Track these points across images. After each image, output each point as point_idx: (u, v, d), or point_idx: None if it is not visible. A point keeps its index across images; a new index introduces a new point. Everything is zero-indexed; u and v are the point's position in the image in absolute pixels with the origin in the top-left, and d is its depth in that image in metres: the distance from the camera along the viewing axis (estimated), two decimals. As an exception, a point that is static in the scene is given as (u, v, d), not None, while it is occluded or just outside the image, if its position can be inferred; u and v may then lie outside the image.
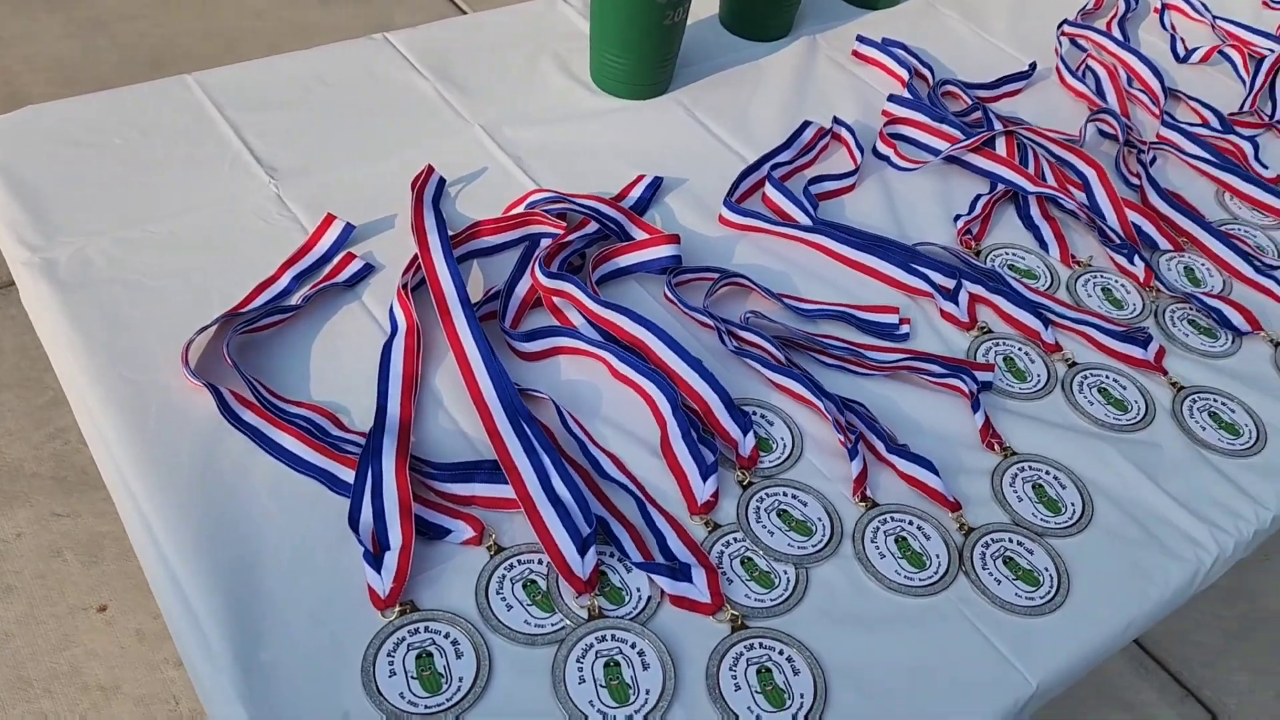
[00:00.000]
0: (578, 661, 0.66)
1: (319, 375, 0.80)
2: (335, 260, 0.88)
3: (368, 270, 0.88)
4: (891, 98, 1.12)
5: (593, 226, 0.91)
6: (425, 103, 1.07)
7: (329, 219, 0.90)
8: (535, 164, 1.01)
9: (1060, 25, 1.30)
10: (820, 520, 0.76)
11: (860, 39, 1.22)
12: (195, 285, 0.85)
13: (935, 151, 1.07)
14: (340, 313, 0.85)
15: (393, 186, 0.95)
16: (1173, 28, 1.36)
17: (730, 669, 0.67)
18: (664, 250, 0.90)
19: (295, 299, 0.84)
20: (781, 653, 0.68)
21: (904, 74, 1.17)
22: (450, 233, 0.90)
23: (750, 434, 0.79)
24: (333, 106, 1.05)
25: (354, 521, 0.70)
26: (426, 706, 0.63)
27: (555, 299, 0.86)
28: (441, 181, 0.97)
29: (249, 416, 0.76)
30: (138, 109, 1.00)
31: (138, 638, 1.39)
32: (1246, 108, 1.22)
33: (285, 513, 0.71)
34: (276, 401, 0.77)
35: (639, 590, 0.70)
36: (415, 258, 0.87)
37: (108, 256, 0.86)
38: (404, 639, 0.66)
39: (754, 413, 0.82)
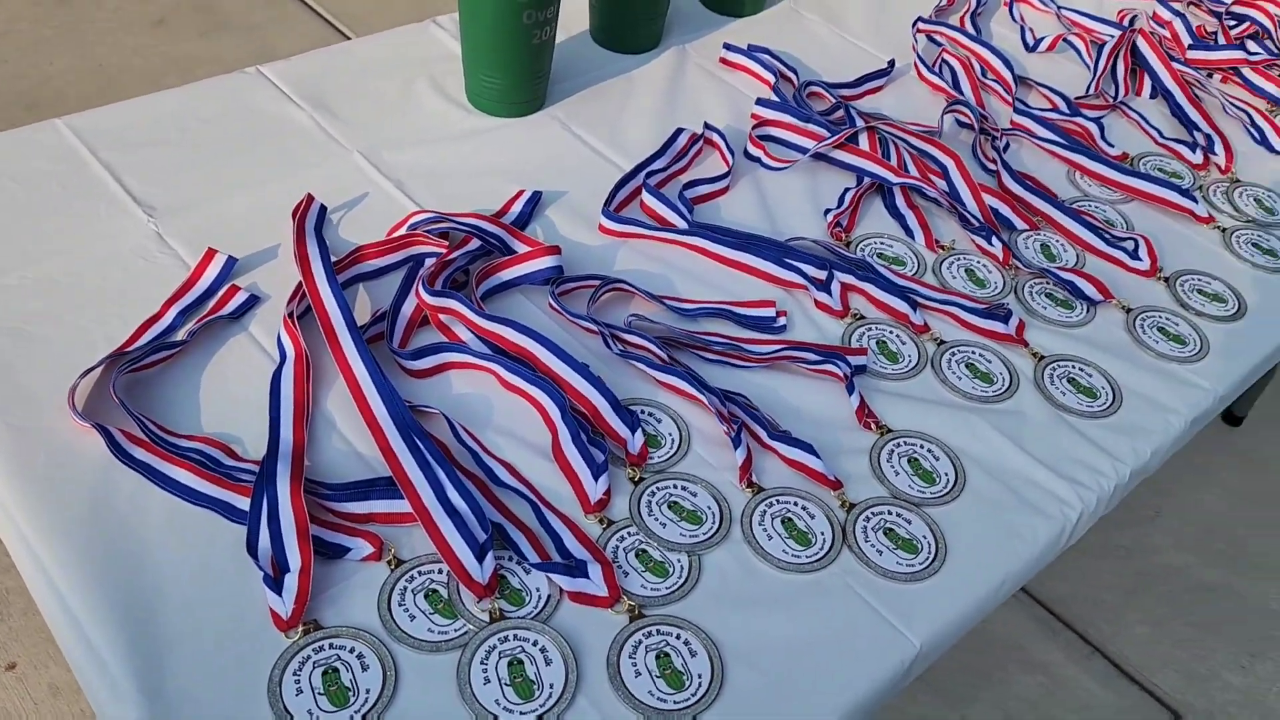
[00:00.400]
0: (481, 663, 0.68)
1: (209, 408, 0.81)
2: (219, 294, 0.89)
3: (253, 301, 0.89)
4: (759, 101, 1.17)
5: (475, 243, 0.94)
6: (303, 132, 1.08)
7: (210, 253, 0.91)
8: (416, 186, 1.03)
9: (915, 23, 1.37)
10: (709, 509, 0.80)
11: (727, 46, 1.27)
12: (79, 328, 0.85)
13: (803, 150, 1.12)
14: (227, 345, 0.86)
15: (274, 217, 0.96)
16: (1021, 19, 1.44)
17: (630, 657, 0.70)
18: (546, 262, 0.93)
19: (181, 334, 0.85)
20: (679, 637, 0.71)
21: (770, 78, 1.22)
22: (334, 258, 0.91)
23: (638, 432, 0.82)
24: (210, 142, 1.05)
25: (252, 547, 0.71)
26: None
27: (441, 316, 0.88)
28: (323, 209, 0.98)
29: (140, 454, 0.76)
30: (8, 156, 1.00)
31: (51, 692, 1.37)
32: (1091, 91, 1.30)
33: (182, 544, 0.72)
34: (167, 437, 0.77)
35: (538, 590, 0.73)
36: (300, 286, 0.88)
37: (-13, 309, 0.86)
38: (309, 657, 0.68)
39: (641, 411, 0.85)
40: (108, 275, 0.90)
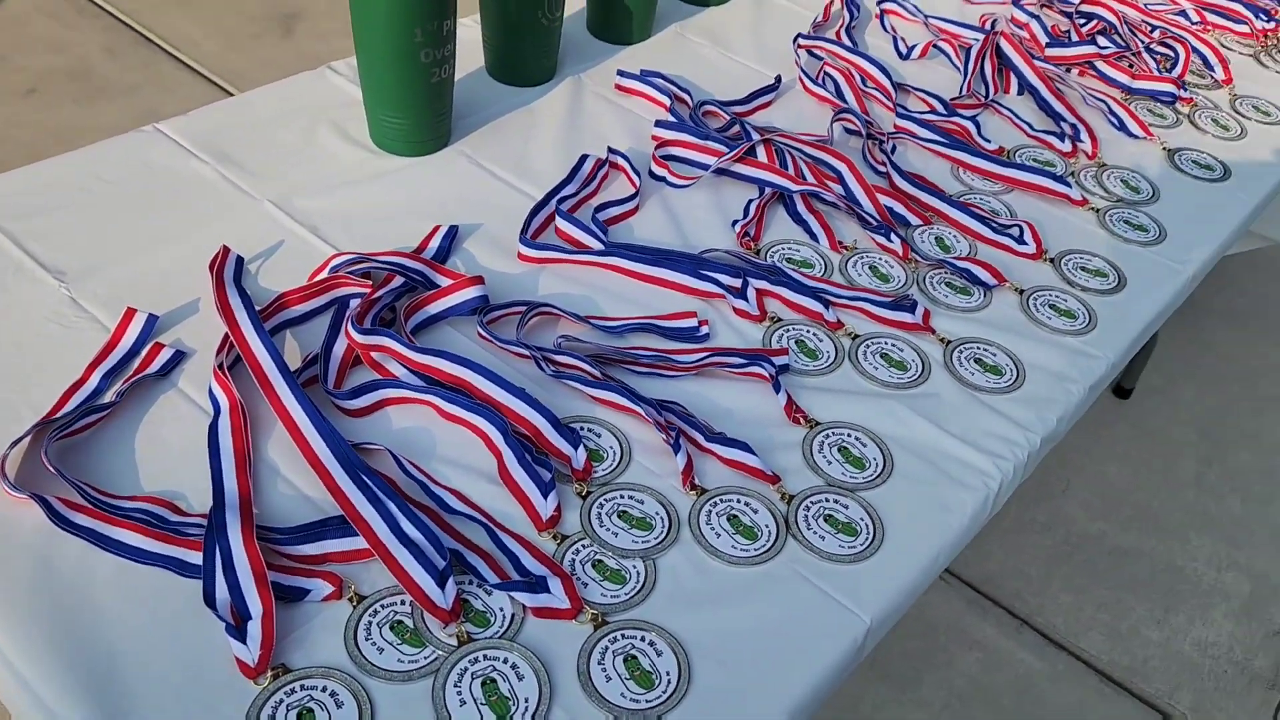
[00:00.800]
0: (455, 686, 0.69)
1: (147, 467, 0.80)
2: (143, 352, 0.88)
3: (179, 357, 0.89)
4: (658, 123, 1.21)
5: (398, 281, 0.95)
6: (208, 186, 1.08)
7: (130, 313, 0.90)
8: (331, 230, 1.04)
9: (795, 39, 1.43)
10: (658, 514, 0.82)
11: (620, 73, 1.31)
12: (1, 401, 0.83)
13: (705, 166, 1.17)
14: (158, 403, 0.85)
15: (190, 272, 0.96)
16: (893, 30, 1.52)
17: (599, 663, 0.72)
18: (470, 292, 0.94)
19: (109, 396, 0.84)
20: (643, 638, 0.74)
21: (665, 100, 1.27)
22: (258, 307, 0.91)
23: (580, 448, 0.84)
24: (114, 202, 1.04)
25: (209, 598, 0.71)
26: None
27: (374, 354, 0.89)
28: (240, 260, 0.98)
29: (81, 520, 0.75)
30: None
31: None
32: (964, 92, 1.38)
33: (135, 604, 0.71)
34: (108, 500, 0.77)
35: (502, 610, 0.74)
36: (226, 337, 0.88)
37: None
38: (281, 700, 0.68)
39: (581, 428, 0.87)
40: (24, 344, 0.88)
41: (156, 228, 1.02)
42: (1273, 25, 1.60)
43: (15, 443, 0.78)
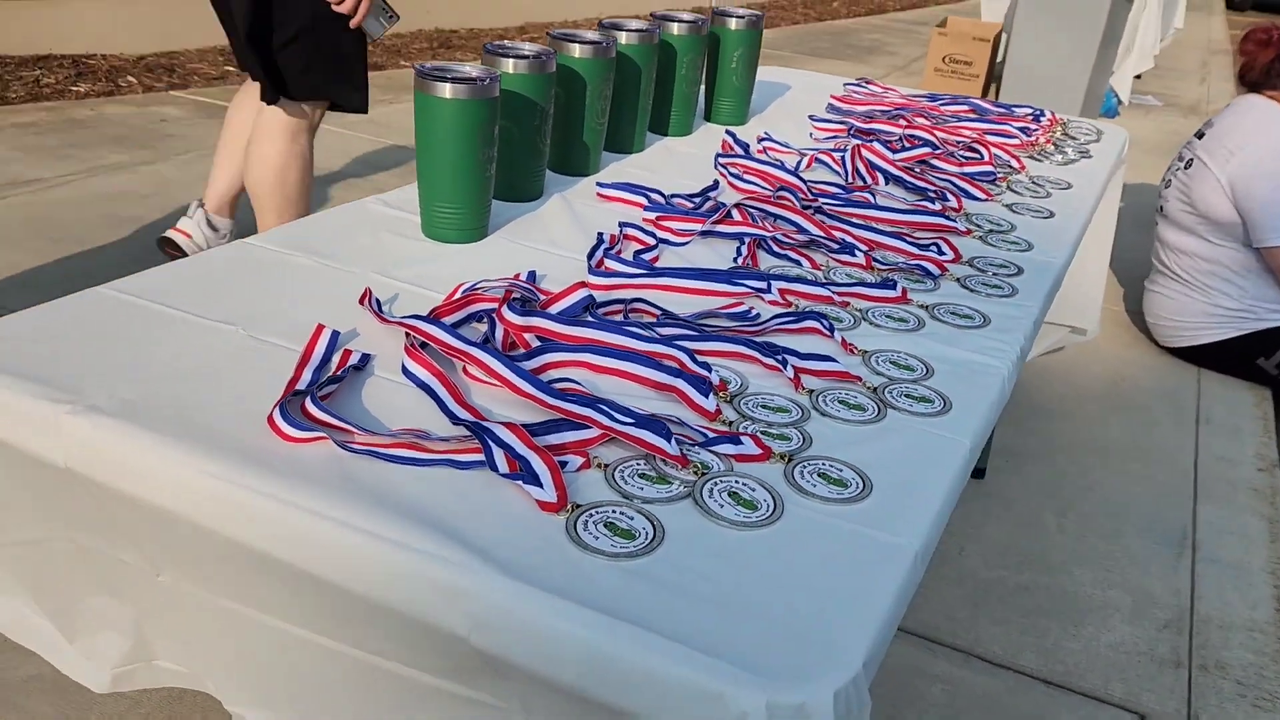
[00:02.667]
0: (710, 497, 0.88)
1: (382, 421, 0.96)
2: (335, 359, 1.04)
3: (366, 358, 1.05)
4: (647, 207, 1.51)
5: (517, 294, 1.17)
6: (314, 270, 1.26)
7: (320, 328, 1.06)
8: (432, 283, 1.25)
9: (716, 159, 1.80)
10: (792, 403, 1.05)
11: (600, 184, 1.62)
12: (220, 401, 0.97)
13: (690, 230, 1.47)
14: (366, 384, 1.02)
15: (335, 316, 1.13)
16: (775, 157, 1.92)
17: (802, 477, 0.93)
18: (581, 294, 1.18)
19: (331, 372, 1.00)
20: (826, 462, 0.95)
21: (641, 200, 1.58)
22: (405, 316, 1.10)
23: (713, 372, 1.07)
24: (245, 280, 1.21)
25: (494, 468, 0.87)
26: (627, 550, 0.82)
27: (525, 333, 1.09)
28: (378, 300, 1.17)
29: (359, 447, 0.90)
30: (81, 318, 1.10)
31: None
32: (850, 181, 1.78)
33: (434, 487, 0.87)
34: (378, 433, 0.92)
35: (714, 461, 0.94)
36: (408, 335, 1.06)
37: (148, 395, 0.96)
38: (589, 519, 0.84)
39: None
40: (225, 365, 1.03)
41: (288, 292, 1.19)
42: (1032, 139, 2.15)
43: (277, 407, 0.93)
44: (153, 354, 1.03)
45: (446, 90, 1.29)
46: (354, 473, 0.88)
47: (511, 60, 1.45)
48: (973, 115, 2.26)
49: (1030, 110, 2.34)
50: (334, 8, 2.40)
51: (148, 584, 0.98)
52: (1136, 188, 4.74)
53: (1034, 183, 1.92)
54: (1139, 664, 2.05)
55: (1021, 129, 2.17)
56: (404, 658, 0.84)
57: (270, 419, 0.92)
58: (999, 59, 6.45)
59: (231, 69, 5.53)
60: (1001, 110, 2.31)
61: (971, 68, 6.30)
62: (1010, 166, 1.98)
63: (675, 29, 1.88)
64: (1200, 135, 3.20)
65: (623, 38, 1.74)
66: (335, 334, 1.07)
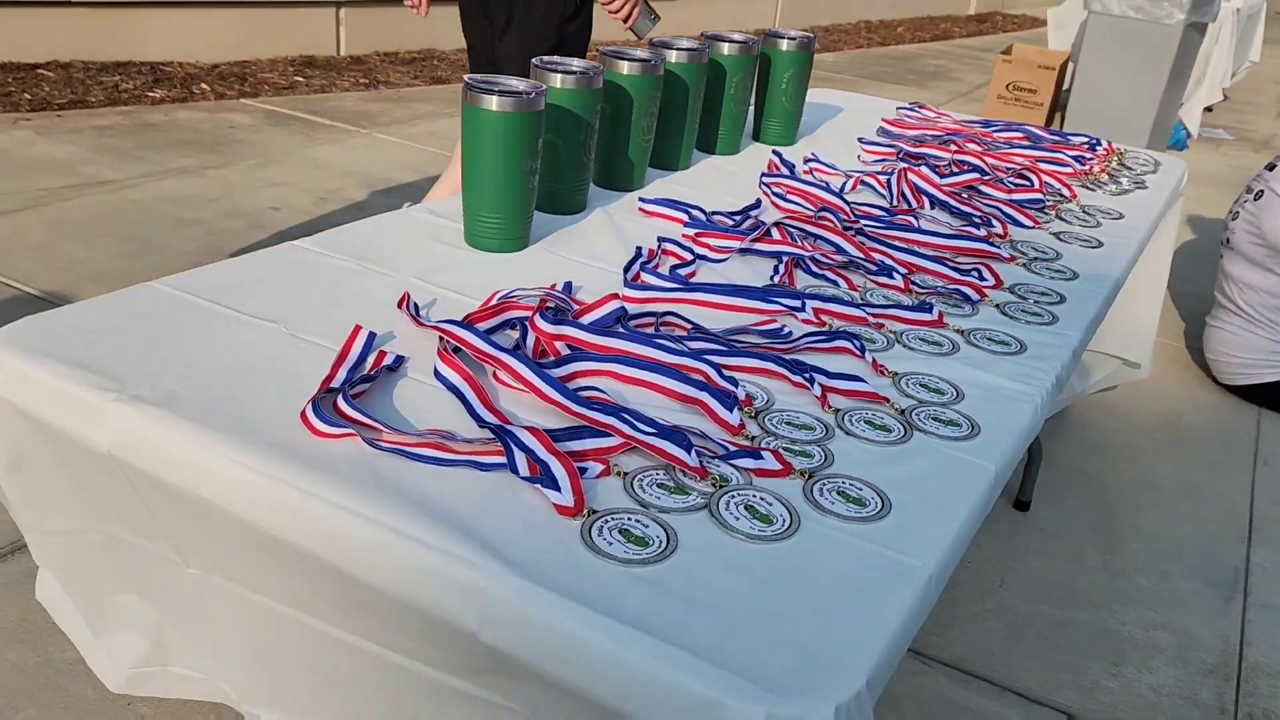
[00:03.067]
0: (726, 509, 0.89)
1: (410, 420, 0.98)
2: (370, 359, 1.07)
3: (400, 360, 1.08)
4: (687, 224, 1.53)
5: (551, 304, 1.19)
6: (357, 274, 1.29)
7: (357, 329, 1.09)
8: (469, 290, 1.27)
9: (761, 178, 1.81)
10: (818, 421, 1.06)
11: (642, 199, 1.64)
12: (263, 391, 1.00)
13: (729, 247, 1.48)
14: (398, 385, 1.04)
15: (373, 317, 1.16)
16: (821, 179, 1.93)
17: (821, 495, 0.93)
18: (613, 305, 1.19)
19: (366, 370, 1.03)
20: (846, 481, 0.95)
21: (683, 216, 1.59)
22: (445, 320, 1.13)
23: (740, 387, 1.08)
24: (293, 280, 1.25)
25: (515, 470, 0.89)
26: (639, 556, 0.83)
27: (556, 342, 1.11)
28: (415, 304, 1.20)
29: (386, 445, 0.92)
30: (127, 309, 1.14)
31: None
32: (895, 204, 1.78)
33: (454, 486, 0.89)
34: (405, 432, 0.94)
35: (733, 474, 0.95)
36: (441, 339, 1.09)
37: (190, 387, 0.99)
38: (604, 525, 0.85)
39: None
40: (266, 360, 1.06)
41: (330, 294, 1.22)
42: (1086, 168, 2.13)
43: (311, 403, 0.95)
44: (198, 348, 1.07)
45: (492, 103, 1.32)
46: (380, 469, 0.90)
47: (559, 75, 1.48)
48: (1026, 142, 2.25)
49: (1086, 139, 2.31)
50: (607, 10, 2.69)
51: (175, 578, 1.02)
52: (1201, 222, 4.65)
53: (1085, 212, 1.90)
54: (1181, 708, 2.00)
55: (1076, 157, 2.15)
56: (417, 653, 0.86)
57: (303, 414, 0.95)
58: (1064, 88, 6.37)
59: (300, 79, 5.67)
60: (1056, 138, 2.29)
61: (1035, 96, 6.23)
62: (1061, 195, 1.96)
63: (725, 49, 1.89)
64: (1271, 167, 3.13)
65: (672, 56, 1.76)
66: (372, 335, 1.10)
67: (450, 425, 0.98)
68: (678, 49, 1.78)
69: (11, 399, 1.01)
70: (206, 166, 4.20)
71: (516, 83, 1.37)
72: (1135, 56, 5.50)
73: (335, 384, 1.00)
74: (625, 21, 2.73)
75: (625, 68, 1.63)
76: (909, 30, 11.00)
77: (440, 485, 0.89)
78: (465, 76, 1.36)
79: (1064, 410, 2.98)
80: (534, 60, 1.52)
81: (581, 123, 1.51)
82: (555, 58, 1.54)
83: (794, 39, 2.03)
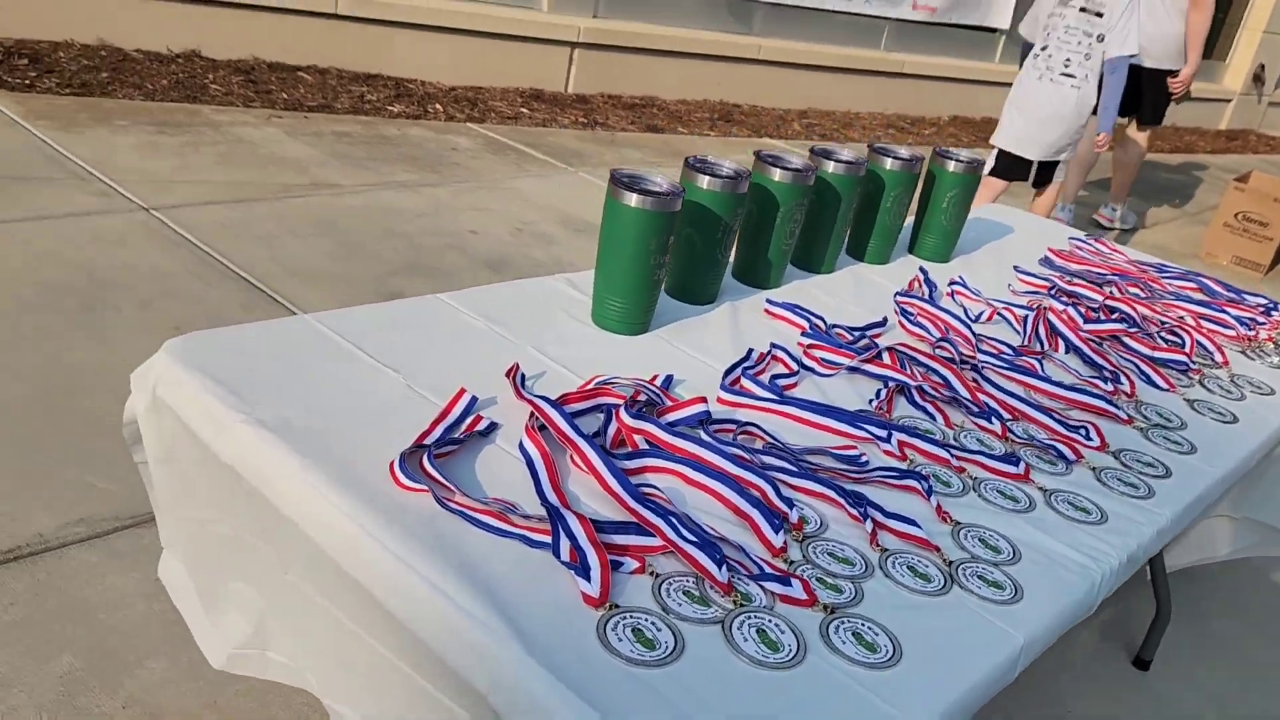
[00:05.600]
0: (739, 630, 0.95)
1: (486, 487, 1.10)
2: (468, 420, 1.19)
3: (493, 426, 1.20)
4: (805, 333, 1.59)
5: (642, 396, 1.28)
6: (482, 333, 1.43)
7: (461, 391, 1.22)
8: (577, 367, 1.38)
9: (895, 295, 1.85)
10: (858, 556, 1.10)
11: (769, 301, 1.71)
12: (367, 440, 1.14)
13: (837, 364, 1.53)
14: (484, 451, 1.16)
15: (483, 382, 1.29)
16: (961, 303, 1.94)
17: (835, 633, 0.98)
18: (699, 407, 1.27)
19: (457, 435, 1.15)
20: (863, 623, 1.00)
21: (804, 323, 1.65)
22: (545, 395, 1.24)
23: (795, 509, 1.14)
24: (423, 333, 1.39)
25: (557, 553, 0.98)
26: (644, 658, 0.90)
27: (635, 435, 1.20)
28: (523, 375, 1.32)
29: (455, 507, 1.04)
30: (276, 339, 1.31)
31: None
32: (1026, 343, 1.78)
33: (505, 557, 0.99)
34: (473, 497, 1.05)
35: (758, 595, 1.01)
36: (531, 414, 1.20)
37: (305, 420, 1.14)
38: (619, 622, 0.94)
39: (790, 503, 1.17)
40: (383, 407, 1.20)
41: (453, 350, 1.36)
42: (1253, 333, 2.05)
43: (402, 455, 1.08)
44: (323, 384, 1.22)
45: (632, 199, 1.44)
46: (441, 528, 1.01)
47: (707, 177, 1.58)
48: (1197, 294, 2.18)
49: (1265, 301, 2.22)
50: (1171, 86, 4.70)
51: (277, 579, 1.16)
52: None
53: (1232, 381, 1.84)
54: None
55: (1244, 319, 2.07)
56: (448, 693, 0.96)
57: (391, 465, 1.07)
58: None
59: (525, 111, 6.01)
60: (1231, 296, 2.21)
61: (1266, 230, 5.87)
62: (1212, 359, 1.90)
63: (888, 164, 1.95)
64: None
65: (829, 166, 1.83)
66: (473, 399, 1.22)
67: (516, 495, 1.09)
68: (836, 159, 1.85)
69: (169, 401, 1.19)
70: (423, 183, 4.53)
71: (660, 181, 1.48)
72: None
73: (429, 441, 1.13)
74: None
75: (777, 175, 1.71)
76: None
77: (490, 551, 1.00)
78: (612, 169, 1.48)
79: (1204, 567, 2.82)
80: (687, 158, 1.62)
81: (720, 222, 1.61)
82: (709, 158, 1.64)
83: (962, 160, 2.05)
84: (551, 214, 4.55)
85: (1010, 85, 4.17)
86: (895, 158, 1.96)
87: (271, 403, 1.15)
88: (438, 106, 5.73)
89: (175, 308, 3.06)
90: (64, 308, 2.99)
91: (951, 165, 2.05)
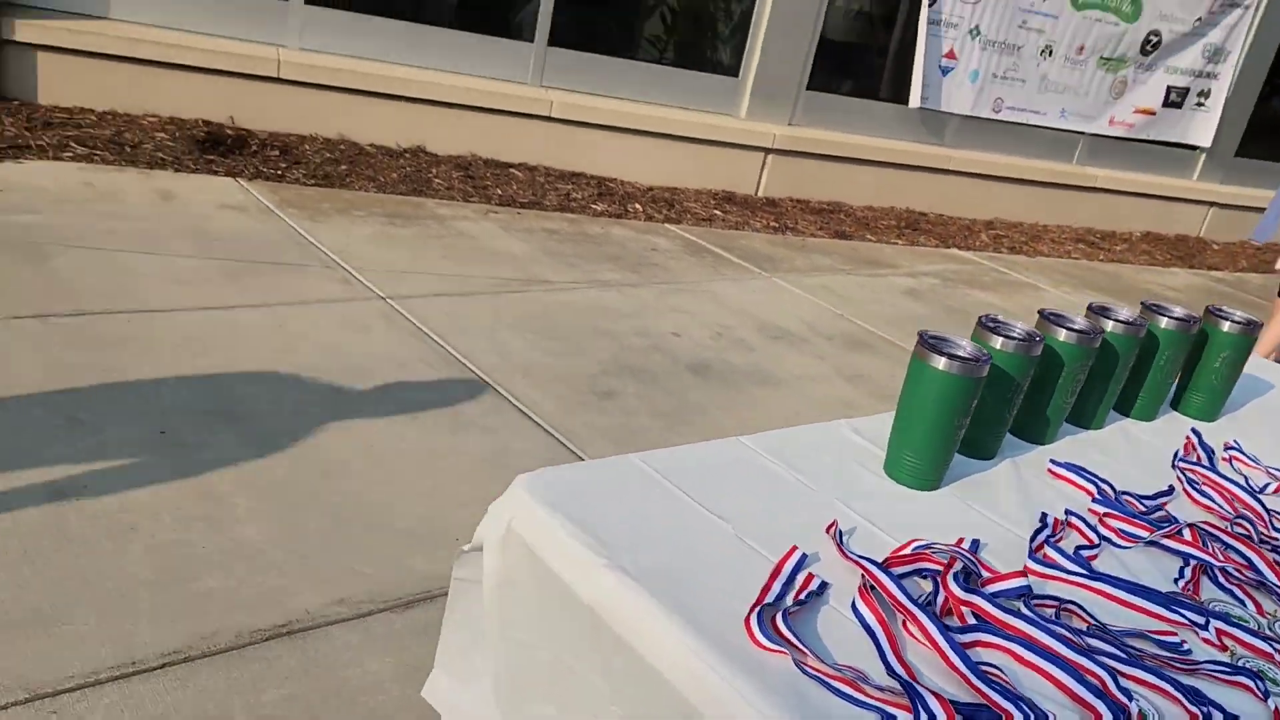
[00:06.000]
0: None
1: (828, 648, 1.14)
2: (800, 578, 1.24)
3: (824, 586, 1.25)
4: (1095, 499, 1.59)
5: (958, 564, 1.31)
6: (789, 484, 1.49)
7: (793, 549, 1.27)
8: (880, 523, 1.42)
9: (1174, 459, 1.83)
10: (1202, 760, 1.09)
11: (1053, 461, 1.72)
12: (718, 592, 1.20)
13: (1135, 537, 1.52)
14: (821, 611, 1.20)
15: (803, 533, 1.34)
16: (1240, 470, 1.89)
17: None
18: (1018, 582, 1.29)
19: (788, 601, 1.20)
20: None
21: (1090, 487, 1.65)
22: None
23: (1134, 702, 1.14)
24: (734, 477, 1.46)
25: (921, 736, 1.01)
26: None
27: (963, 607, 1.23)
28: (841, 531, 1.37)
29: (810, 671, 1.08)
30: (615, 477, 1.40)
31: None
32: (1320, 524, 1.72)
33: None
34: (825, 662, 1.10)
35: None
36: (862, 576, 1.24)
37: (659, 566, 1.22)
38: (992, 812, 0.95)
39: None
40: (723, 552, 1.26)
41: (767, 500, 1.42)
42: None
43: (756, 613, 1.14)
44: (665, 529, 1.30)
45: (940, 363, 1.48)
46: (803, 688, 1.06)
47: (1001, 339, 1.61)
48: None
49: None
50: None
51: (599, 706, 1.22)
52: None
53: None
54: None
55: None
56: None
57: (747, 622, 1.13)
58: None
59: (719, 213, 6.18)
60: None
61: None
62: None
63: (1164, 323, 1.94)
64: None
65: (1109, 325, 1.83)
66: (804, 556, 1.27)
67: (862, 663, 1.12)
68: (1115, 319, 1.85)
69: (522, 534, 1.29)
70: (626, 283, 4.70)
71: (966, 347, 1.52)
72: None
73: (769, 599, 1.18)
74: None
75: (1063, 335, 1.73)
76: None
77: (841, 716, 1.03)
78: (921, 331, 1.53)
79: None
80: (981, 317, 1.66)
81: (1012, 383, 1.63)
82: (999, 317, 1.68)
83: (1239, 321, 2.02)
84: (747, 319, 4.64)
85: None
86: (1170, 317, 1.95)
87: (627, 548, 1.23)
88: (637, 206, 5.95)
89: (411, 394, 3.25)
90: (316, 387, 3.22)
91: (1226, 326, 2.02)
